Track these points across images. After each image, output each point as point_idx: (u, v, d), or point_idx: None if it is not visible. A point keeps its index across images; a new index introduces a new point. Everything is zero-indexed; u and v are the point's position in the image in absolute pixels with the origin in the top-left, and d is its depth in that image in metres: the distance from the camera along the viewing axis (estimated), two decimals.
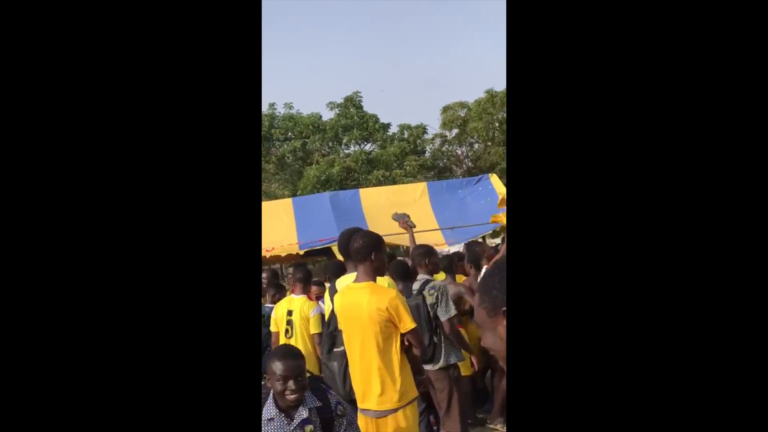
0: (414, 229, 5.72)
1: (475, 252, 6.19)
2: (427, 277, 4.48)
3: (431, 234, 8.41)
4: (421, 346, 3.20)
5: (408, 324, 3.09)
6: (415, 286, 4.46)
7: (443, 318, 4.21)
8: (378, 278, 3.34)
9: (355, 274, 3.39)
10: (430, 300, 4.26)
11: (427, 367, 4.24)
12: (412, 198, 10.86)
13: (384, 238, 7.37)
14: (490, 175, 12.04)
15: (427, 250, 4.64)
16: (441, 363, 4.29)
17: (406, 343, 3.16)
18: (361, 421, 3.15)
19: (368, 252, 3.21)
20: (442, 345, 4.28)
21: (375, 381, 3.10)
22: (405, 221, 5.56)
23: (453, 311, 4.22)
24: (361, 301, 3.15)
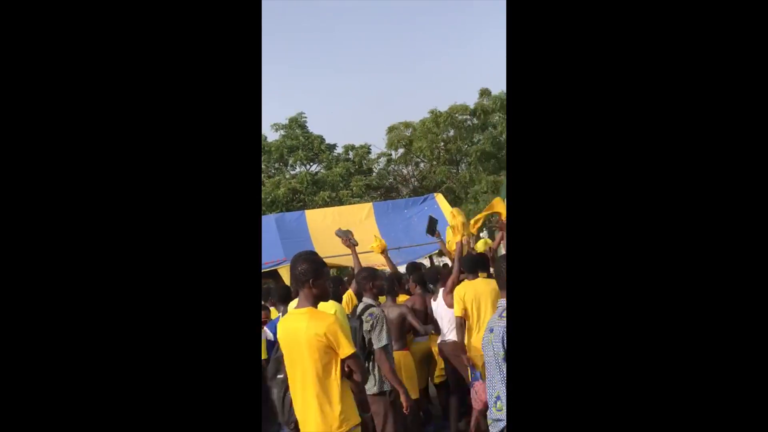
0: (360, 250, 5.68)
1: (420, 271, 6.18)
2: (370, 301, 4.49)
3: (378, 255, 8.39)
4: (361, 372, 3.15)
5: (347, 350, 3.06)
6: (359, 308, 4.45)
7: (376, 346, 4.24)
8: (323, 303, 3.28)
9: None
10: (366, 326, 4.28)
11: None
12: (358, 218, 10.85)
13: (331, 259, 7.26)
14: (435, 194, 12.12)
15: (371, 273, 4.63)
16: (375, 389, 4.31)
17: (347, 369, 3.12)
18: None
19: (308, 277, 3.18)
20: (376, 371, 4.28)
21: (314, 407, 3.07)
22: (348, 238, 5.52)
23: (384, 341, 4.24)
24: (300, 327, 3.11)
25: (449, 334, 5.48)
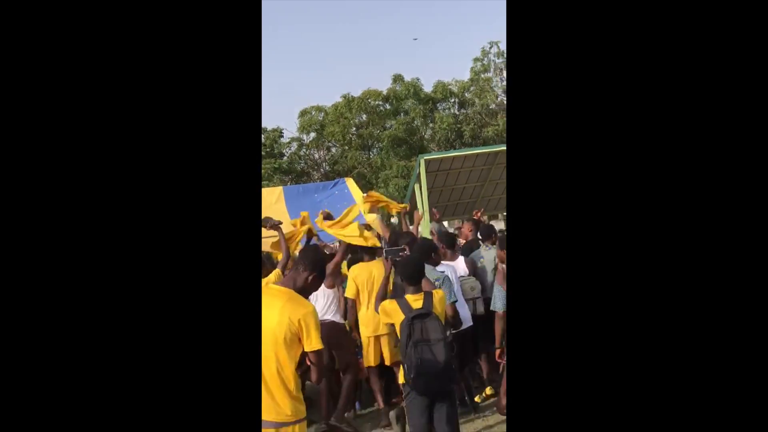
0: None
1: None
2: None
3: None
4: (319, 371, 3.00)
5: (315, 344, 2.91)
6: None
7: None
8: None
9: None
10: None
11: None
12: (269, 202, 10.61)
13: None
14: (346, 179, 12.07)
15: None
16: None
17: (307, 362, 2.96)
18: None
19: (314, 269, 3.06)
20: None
21: (268, 390, 2.89)
22: (272, 224, 5.37)
23: None
24: (276, 306, 2.93)
25: (327, 314, 5.47)
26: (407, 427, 3.91)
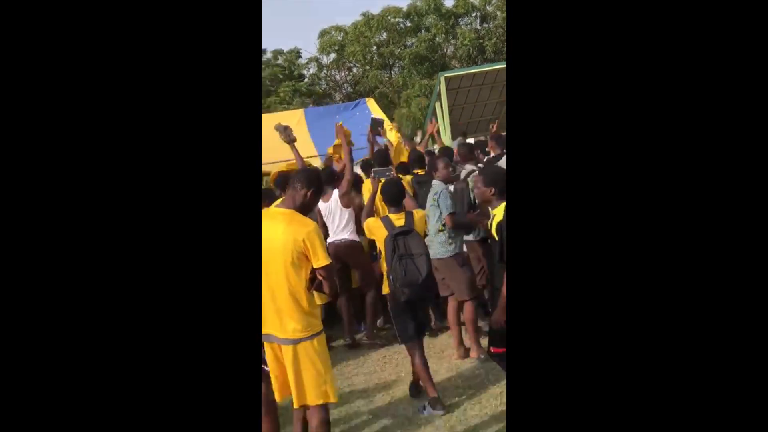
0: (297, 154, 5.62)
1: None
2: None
3: (312, 161, 8.33)
4: (331, 283, 3.11)
5: (322, 260, 3.03)
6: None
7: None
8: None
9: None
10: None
11: None
12: (290, 125, 10.65)
13: (267, 166, 7.13)
14: (367, 99, 12.00)
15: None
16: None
17: (318, 278, 3.08)
18: (267, 347, 3.11)
19: (311, 187, 3.11)
20: None
21: (280, 309, 3.03)
22: (287, 134, 5.41)
23: None
24: (279, 228, 3.04)
25: (343, 233, 5.52)
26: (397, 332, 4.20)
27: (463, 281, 4.85)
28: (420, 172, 6.03)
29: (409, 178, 5.89)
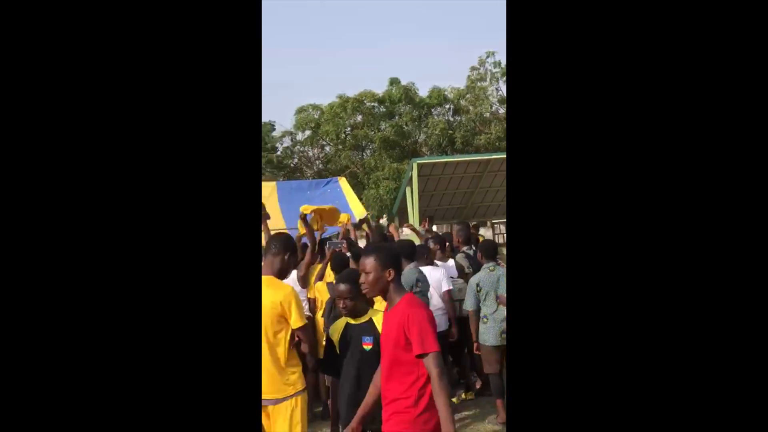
0: (271, 226, 5.72)
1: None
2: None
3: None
4: (309, 343, 3.29)
5: (298, 321, 3.20)
6: None
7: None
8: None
9: None
10: None
11: None
12: (262, 196, 10.73)
13: None
14: (339, 178, 12.19)
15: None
16: None
17: (296, 339, 3.25)
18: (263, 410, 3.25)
19: (286, 251, 3.31)
20: None
21: (263, 370, 3.16)
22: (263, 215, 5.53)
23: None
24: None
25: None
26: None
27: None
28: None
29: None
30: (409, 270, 5.03)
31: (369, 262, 2.71)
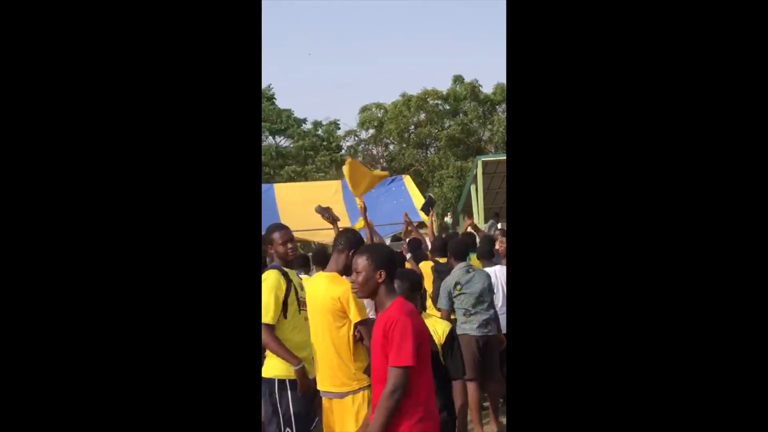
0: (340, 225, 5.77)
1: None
2: None
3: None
4: (370, 338, 3.25)
5: (356, 316, 3.26)
6: None
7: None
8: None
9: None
10: None
11: None
12: (327, 195, 10.83)
13: (297, 233, 7.35)
14: (404, 176, 12.22)
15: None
16: None
17: (357, 334, 3.30)
18: (325, 402, 3.36)
19: (351, 248, 3.32)
20: None
21: (327, 363, 3.30)
22: (329, 215, 5.59)
23: None
24: (320, 288, 3.36)
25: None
26: None
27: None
28: (441, 260, 5.94)
29: (429, 263, 5.89)
30: (458, 269, 4.94)
31: (360, 262, 2.59)
